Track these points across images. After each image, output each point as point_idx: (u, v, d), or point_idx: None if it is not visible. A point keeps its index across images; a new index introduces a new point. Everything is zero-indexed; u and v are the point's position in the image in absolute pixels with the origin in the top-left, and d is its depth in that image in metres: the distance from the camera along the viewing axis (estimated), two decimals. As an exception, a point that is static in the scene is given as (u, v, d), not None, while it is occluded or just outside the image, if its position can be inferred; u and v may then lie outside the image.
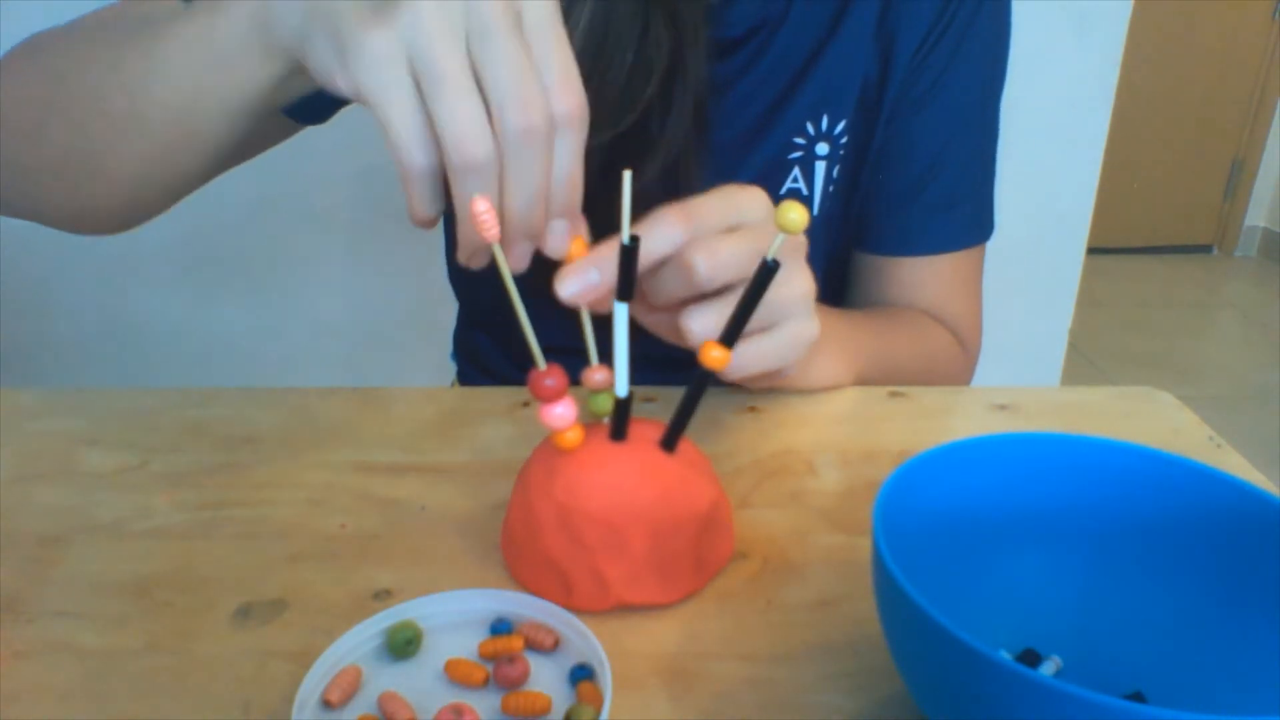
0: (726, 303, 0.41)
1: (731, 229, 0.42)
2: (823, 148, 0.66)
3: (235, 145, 0.49)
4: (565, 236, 0.40)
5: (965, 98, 0.67)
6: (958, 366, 0.72)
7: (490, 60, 0.36)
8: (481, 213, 0.35)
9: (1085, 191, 1.49)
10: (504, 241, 0.39)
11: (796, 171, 0.66)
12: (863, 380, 0.61)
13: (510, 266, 0.39)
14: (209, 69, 0.44)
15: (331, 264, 1.47)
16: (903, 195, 0.68)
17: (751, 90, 0.64)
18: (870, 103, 0.66)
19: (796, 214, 0.35)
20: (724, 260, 0.41)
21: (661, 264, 0.42)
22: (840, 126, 0.65)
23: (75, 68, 0.49)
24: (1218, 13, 3.39)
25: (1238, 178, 3.68)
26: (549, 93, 0.37)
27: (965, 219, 0.70)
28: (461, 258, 0.41)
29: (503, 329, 0.76)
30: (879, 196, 0.69)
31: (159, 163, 0.49)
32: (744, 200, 0.44)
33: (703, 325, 0.41)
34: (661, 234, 0.41)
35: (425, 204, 0.39)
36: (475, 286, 0.78)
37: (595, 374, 0.40)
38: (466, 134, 0.36)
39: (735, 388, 0.59)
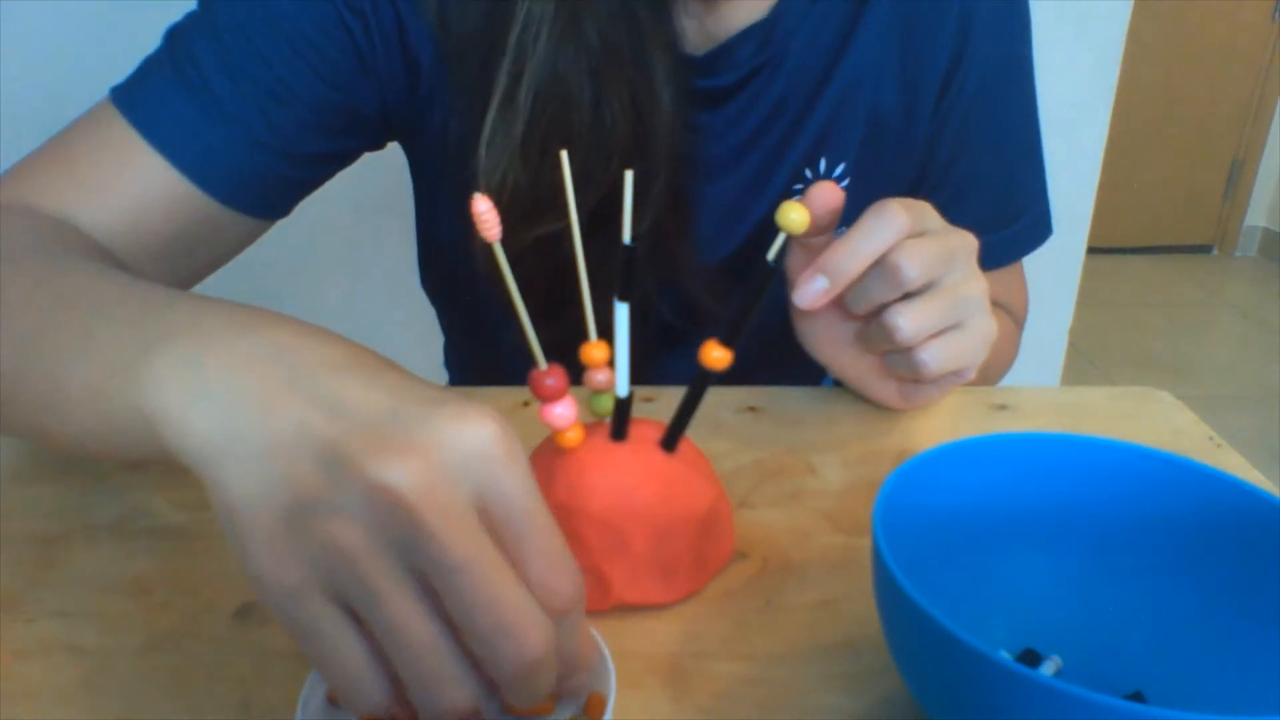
0: (927, 299, 0.46)
1: (925, 233, 0.46)
2: None
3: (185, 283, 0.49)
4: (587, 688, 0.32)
5: (1008, 117, 0.66)
6: (1016, 341, 0.73)
7: (464, 609, 0.26)
8: (482, 213, 0.35)
9: (1085, 191, 1.49)
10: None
11: None
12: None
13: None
14: (111, 445, 0.34)
15: (329, 268, 1.47)
16: (965, 222, 0.67)
17: (747, 141, 0.61)
18: (887, 135, 0.63)
19: (797, 214, 0.35)
20: (927, 258, 0.44)
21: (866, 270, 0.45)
22: (840, 169, 0.63)
23: None
24: (1218, 13, 3.39)
25: (1238, 178, 3.68)
26: (540, 594, 0.27)
27: (1028, 228, 0.70)
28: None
29: (481, 342, 0.74)
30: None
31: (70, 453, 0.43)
32: (922, 208, 0.47)
33: (912, 322, 0.45)
34: (889, 224, 0.44)
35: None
36: (452, 303, 0.77)
37: (597, 374, 0.40)
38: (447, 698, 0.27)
39: (736, 387, 0.59)
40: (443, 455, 0.26)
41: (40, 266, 0.41)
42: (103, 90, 0.54)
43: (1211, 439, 0.55)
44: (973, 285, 0.47)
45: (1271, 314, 3.21)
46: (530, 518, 0.28)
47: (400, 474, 0.25)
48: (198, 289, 0.57)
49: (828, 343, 0.53)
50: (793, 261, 0.50)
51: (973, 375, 0.49)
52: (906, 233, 0.44)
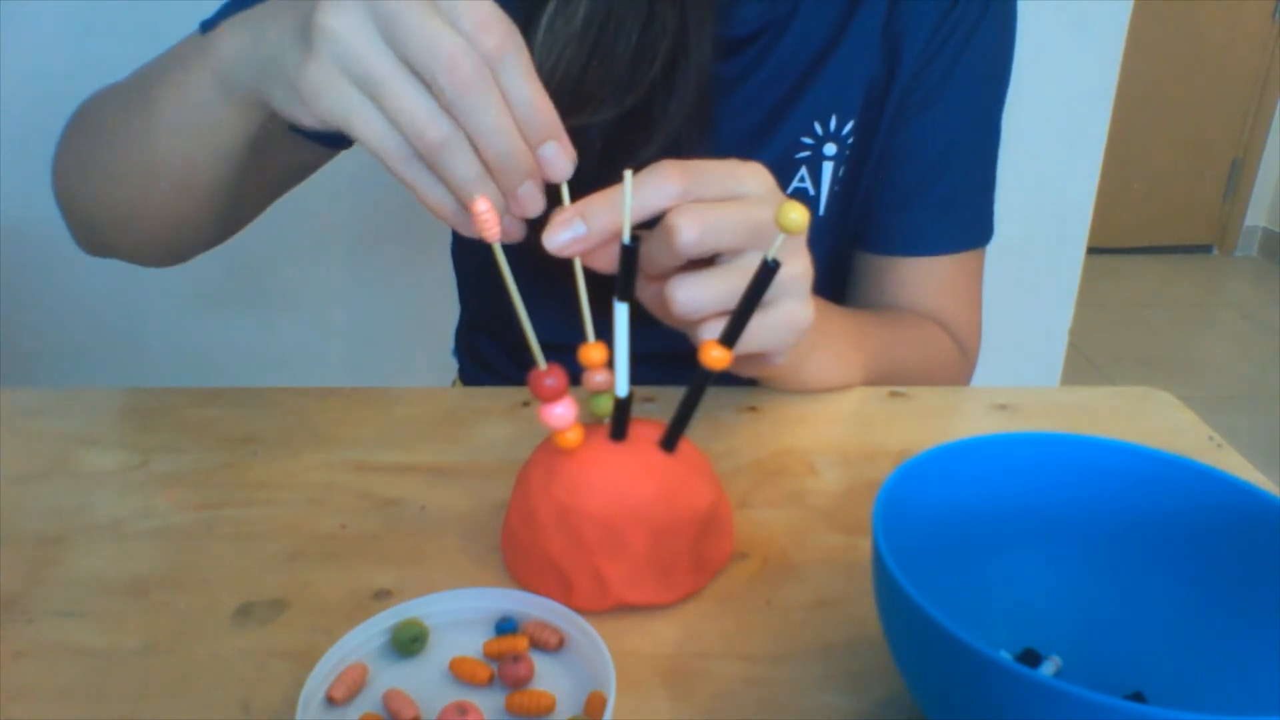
0: (717, 275, 0.40)
1: (729, 199, 0.41)
2: (830, 148, 0.66)
3: (249, 180, 0.53)
4: (562, 157, 0.40)
5: (969, 100, 0.67)
6: (956, 370, 0.72)
7: (405, 42, 0.37)
8: (482, 213, 0.35)
9: (1085, 191, 1.48)
10: (506, 191, 0.40)
11: (804, 171, 0.66)
12: (864, 380, 0.61)
13: (524, 210, 0.40)
14: (193, 124, 0.48)
15: (332, 264, 1.47)
16: (905, 196, 0.68)
17: (758, 90, 0.64)
18: (875, 103, 0.66)
19: (797, 214, 0.35)
20: (711, 226, 0.39)
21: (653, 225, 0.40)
22: (848, 127, 0.65)
23: (108, 129, 0.54)
24: (1218, 13, 3.39)
25: (1238, 178, 3.68)
26: (471, 40, 0.37)
27: (966, 221, 0.70)
28: (486, 231, 0.38)
29: (504, 330, 0.76)
30: (881, 197, 0.69)
31: (182, 206, 0.54)
32: (745, 172, 0.42)
33: (687, 295, 0.40)
34: (656, 186, 0.40)
35: (430, 190, 0.39)
36: (481, 290, 0.78)
37: (595, 374, 0.40)
38: (418, 120, 0.37)
39: (735, 387, 0.59)
40: None
41: (126, 82, 0.55)
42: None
43: (1211, 439, 0.55)
44: (788, 266, 0.41)
45: (1271, 314, 3.21)
46: None
47: None
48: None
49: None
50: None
51: (782, 360, 0.45)
52: (680, 195, 0.40)
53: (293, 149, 0.60)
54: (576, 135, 0.55)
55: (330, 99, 0.38)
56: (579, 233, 0.39)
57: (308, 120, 0.40)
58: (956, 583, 0.36)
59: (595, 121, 0.56)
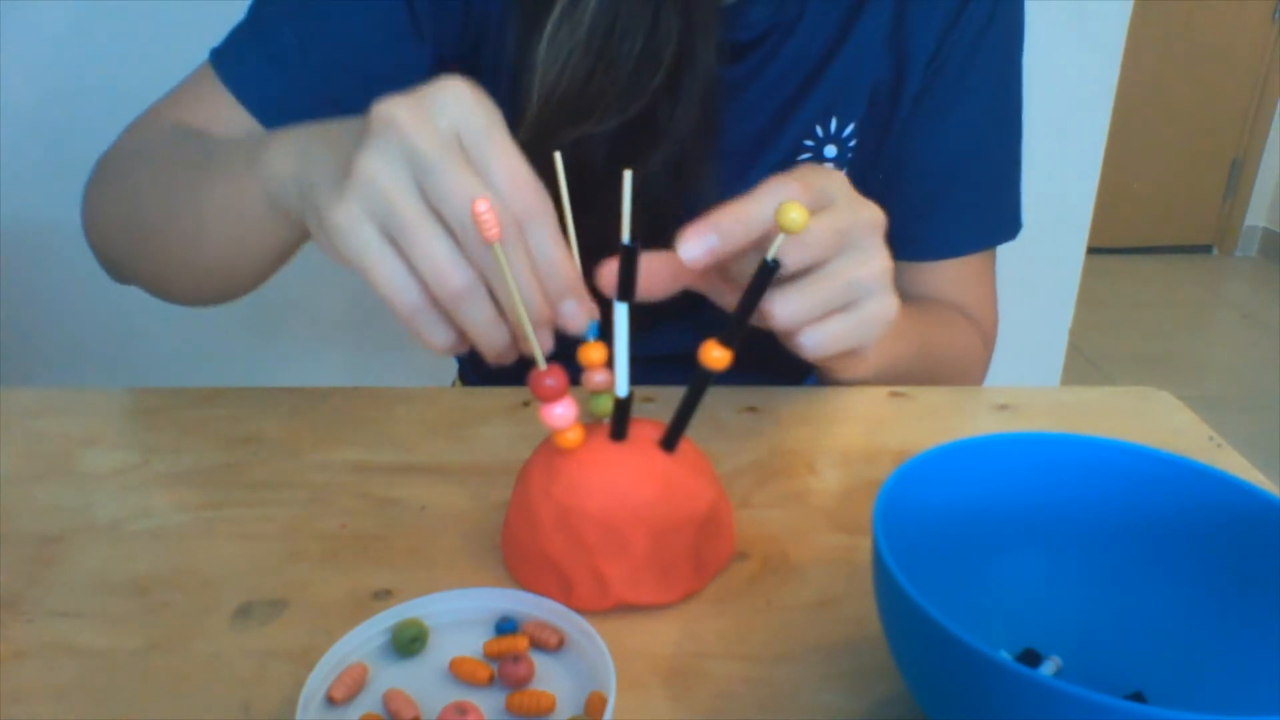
0: (811, 284, 0.43)
1: (817, 209, 0.43)
2: (830, 150, 0.66)
3: (289, 252, 0.55)
4: (580, 314, 0.41)
5: (986, 100, 0.67)
6: (981, 360, 0.72)
7: (440, 195, 0.38)
8: (482, 213, 0.35)
9: (1085, 191, 1.48)
10: (520, 336, 0.41)
11: None
12: (901, 372, 0.60)
13: (529, 351, 0.40)
14: (242, 230, 0.50)
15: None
16: (927, 201, 0.68)
17: (762, 93, 0.64)
18: (882, 107, 0.66)
19: (797, 214, 0.35)
20: (809, 243, 0.42)
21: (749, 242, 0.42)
22: (849, 129, 0.65)
23: (152, 211, 0.56)
24: (1218, 13, 3.39)
25: (1238, 178, 3.68)
26: (503, 199, 0.38)
27: (991, 220, 0.70)
28: (490, 359, 0.42)
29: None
30: (900, 203, 0.67)
31: (222, 285, 0.58)
32: (828, 179, 0.44)
33: (787, 309, 0.42)
34: (780, 198, 0.41)
35: (434, 334, 0.41)
36: None
37: (595, 374, 0.40)
38: (442, 269, 0.38)
39: (735, 387, 0.59)
40: (428, 97, 0.38)
41: (170, 149, 0.57)
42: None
43: (1211, 439, 0.55)
44: (868, 266, 0.44)
45: (1271, 314, 3.21)
46: (489, 135, 0.39)
47: (397, 108, 0.38)
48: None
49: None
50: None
51: (871, 355, 0.48)
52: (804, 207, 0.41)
53: None
54: (582, 142, 0.56)
55: (352, 241, 0.39)
56: (712, 244, 0.41)
57: (329, 253, 0.41)
58: (956, 583, 0.36)
59: (600, 129, 0.57)
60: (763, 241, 0.41)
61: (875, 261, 0.44)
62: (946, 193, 0.68)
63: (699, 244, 0.41)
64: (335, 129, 0.44)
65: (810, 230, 0.41)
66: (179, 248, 0.55)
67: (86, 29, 1.17)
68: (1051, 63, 1.38)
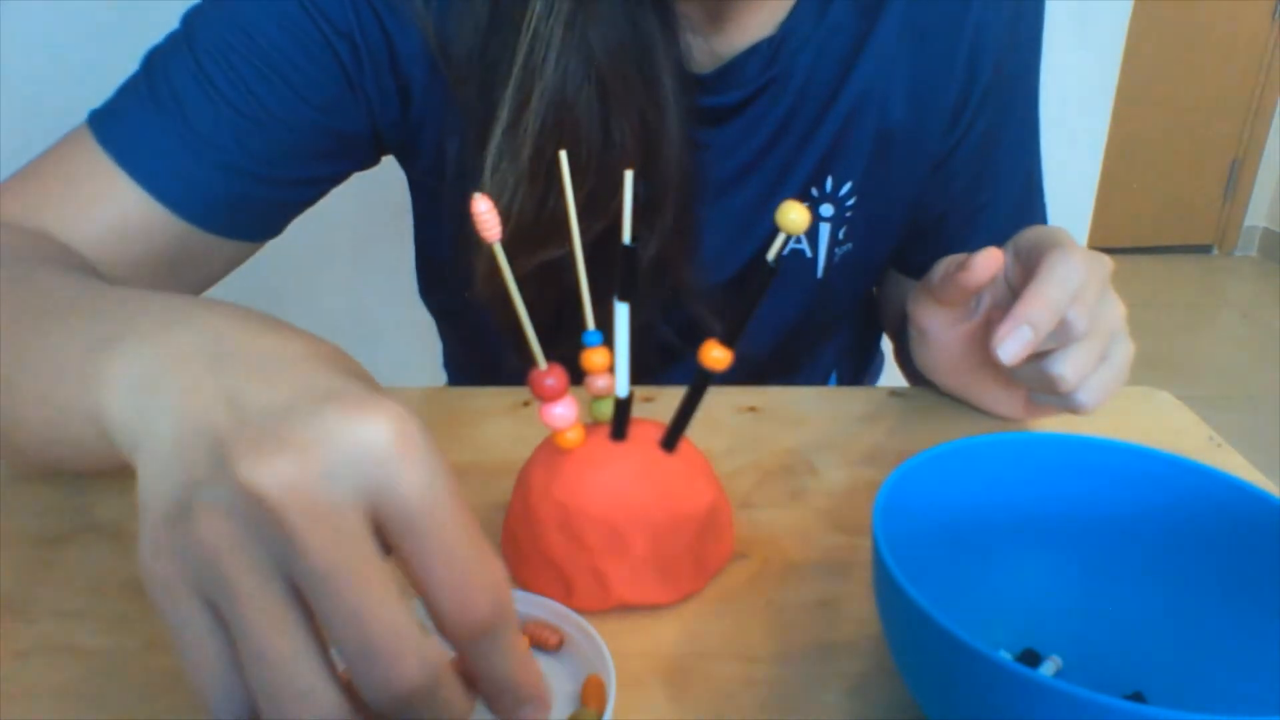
0: (1086, 345, 0.48)
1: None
2: (827, 209, 0.62)
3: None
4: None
5: (1017, 129, 0.66)
6: None
7: (327, 611, 0.24)
8: (482, 213, 0.35)
9: (1085, 191, 1.49)
10: None
11: (800, 235, 0.64)
12: None
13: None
14: (62, 451, 0.35)
15: (331, 264, 1.47)
16: (961, 230, 0.66)
17: (753, 157, 0.60)
18: (896, 152, 0.62)
19: (797, 214, 0.35)
20: (1092, 306, 0.47)
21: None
22: (846, 188, 0.62)
23: None
24: (1218, 13, 3.39)
25: (1238, 178, 3.68)
26: (446, 616, 0.25)
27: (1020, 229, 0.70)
28: None
29: (480, 371, 0.74)
30: (934, 239, 0.66)
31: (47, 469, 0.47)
32: (1084, 251, 0.49)
33: (1074, 369, 0.47)
34: (1077, 277, 0.47)
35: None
36: (451, 334, 0.78)
37: (598, 379, 0.40)
38: (285, 688, 0.24)
39: (735, 387, 0.59)
40: (323, 453, 0.24)
41: (8, 273, 0.40)
42: (105, 91, 0.54)
43: (1211, 439, 0.55)
44: (1115, 313, 0.50)
45: (1271, 314, 3.21)
46: (430, 518, 0.24)
47: (269, 473, 0.23)
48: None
49: (952, 370, 0.57)
50: (921, 309, 0.56)
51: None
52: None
53: (215, 250, 0.55)
54: (549, 264, 0.52)
55: (166, 608, 0.26)
56: (1027, 338, 0.45)
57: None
58: (956, 583, 0.36)
59: (563, 254, 0.51)
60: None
61: (1118, 308, 0.50)
62: (975, 220, 0.67)
63: (1017, 343, 0.45)
64: (206, 352, 0.28)
65: (1090, 296, 0.47)
66: None
67: (87, 32, 1.17)
68: (1051, 63, 1.37)
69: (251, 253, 0.58)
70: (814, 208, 0.62)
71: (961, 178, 0.65)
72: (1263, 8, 3.42)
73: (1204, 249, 3.82)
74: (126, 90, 0.53)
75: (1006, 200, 0.67)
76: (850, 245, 0.64)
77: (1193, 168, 3.67)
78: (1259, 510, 0.34)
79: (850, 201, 0.63)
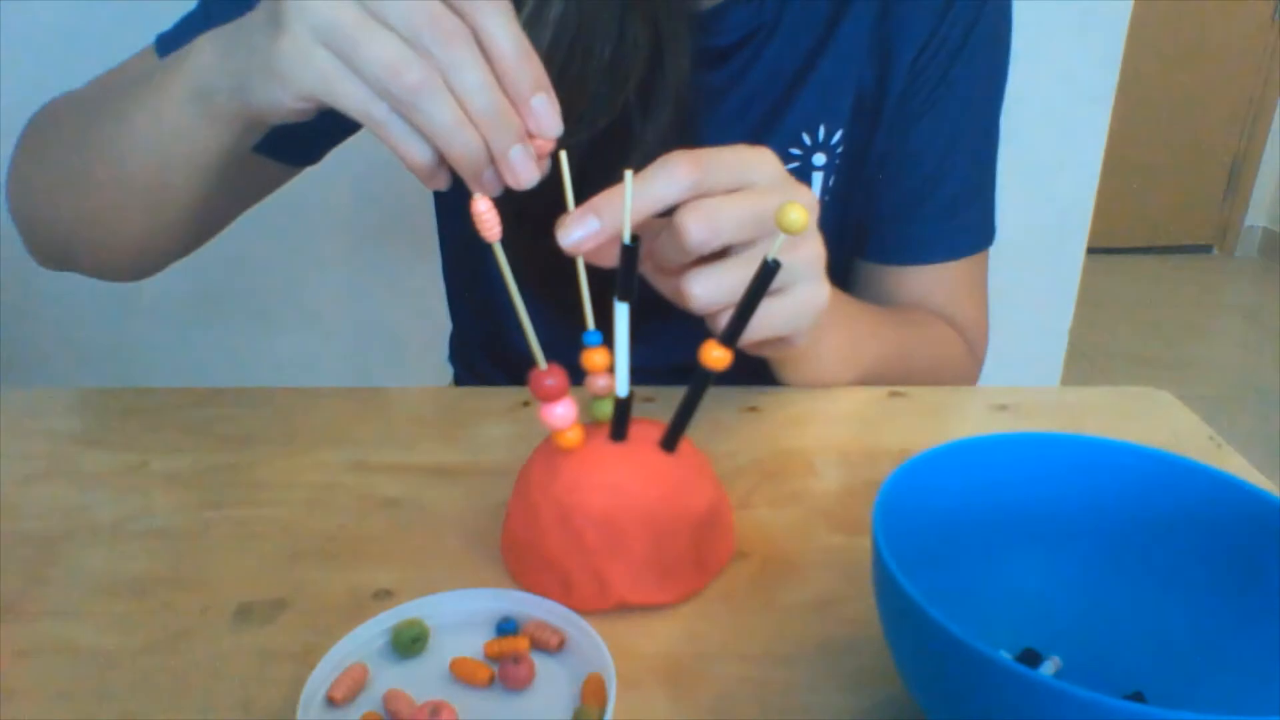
0: (731, 266, 0.41)
1: (737, 189, 0.41)
2: (819, 158, 0.65)
3: (220, 196, 0.52)
4: (550, 111, 0.40)
5: (967, 104, 0.67)
6: (965, 369, 0.71)
7: (378, 6, 0.37)
8: (483, 212, 0.35)
9: (1085, 191, 1.49)
10: (497, 154, 0.39)
11: None
12: (872, 373, 0.60)
13: (517, 179, 0.39)
14: (167, 140, 0.47)
15: (332, 264, 1.47)
16: (906, 203, 0.68)
17: (745, 101, 0.63)
18: (867, 111, 0.65)
19: (796, 214, 0.35)
20: (719, 223, 0.40)
21: (662, 220, 0.41)
22: (837, 136, 0.64)
23: (75, 144, 0.53)
24: (1218, 13, 3.39)
25: (1238, 178, 3.68)
26: None
27: (969, 226, 0.70)
28: (468, 177, 0.40)
29: (497, 345, 0.75)
30: (881, 205, 0.68)
31: (151, 221, 0.53)
32: (754, 159, 0.42)
33: (703, 289, 0.41)
34: (667, 180, 0.40)
35: (409, 146, 0.39)
36: (471, 307, 0.78)
37: (598, 379, 0.40)
38: (390, 64, 0.37)
39: (735, 387, 0.59)
40: None
41: (93, 93, 0.55)
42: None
43: (1211, 439, 0.55)
44: (802, 250, 0.43)
45: (1271, 314, 3.21)
46: None
47: None
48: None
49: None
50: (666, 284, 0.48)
51: (802, 342, 0.46)
52: (691, 188, 0.40)
53: (258, 168, 0.60)
54: (551, 158, 0.54)
55: (306, 69, 0.38)
56: (592, 229, 0.39)
57: (288, 100, 0.40)
58: (956, 583, 0.36)
59: (569, 144, 0.54)
60: (654, 223, 0.41)
61: (807, 246, 0.43)
62: (922, 196, 0.67)
63: (580, 228, 0.39)
64: (257, 12, 0.41)
65: (726, 210, 0.40)
66: (103, 175, 0.51)
67: (87, 27, 1.18)
68: (1051, 63, 1.38)
69: (288, 178, 0.63)
70: (807, 157, 0.64)
71: (911, 176, 0.67)
72: (1263, 8, 3.42)
73: (1204, 249, 3.83)
74: (188, 16, 0.59)
75: (931, 175, 0.67)
76: (829, 199, 0.66)
77: (1193, 168, 3.67)
78: (1259, 510, 0.34)
79: (839, 150, 0.65)
